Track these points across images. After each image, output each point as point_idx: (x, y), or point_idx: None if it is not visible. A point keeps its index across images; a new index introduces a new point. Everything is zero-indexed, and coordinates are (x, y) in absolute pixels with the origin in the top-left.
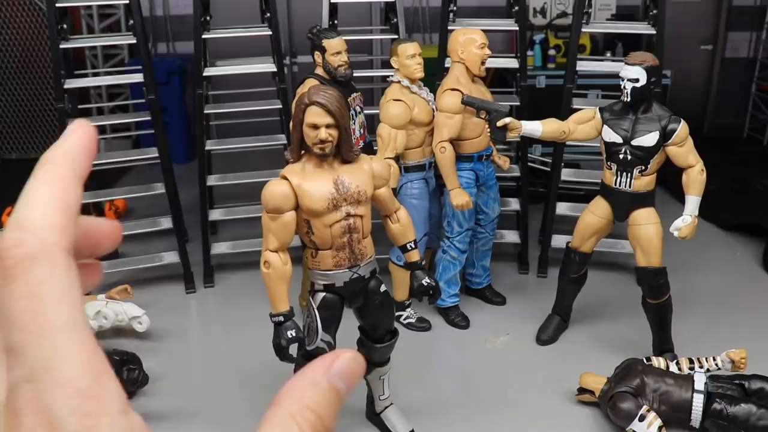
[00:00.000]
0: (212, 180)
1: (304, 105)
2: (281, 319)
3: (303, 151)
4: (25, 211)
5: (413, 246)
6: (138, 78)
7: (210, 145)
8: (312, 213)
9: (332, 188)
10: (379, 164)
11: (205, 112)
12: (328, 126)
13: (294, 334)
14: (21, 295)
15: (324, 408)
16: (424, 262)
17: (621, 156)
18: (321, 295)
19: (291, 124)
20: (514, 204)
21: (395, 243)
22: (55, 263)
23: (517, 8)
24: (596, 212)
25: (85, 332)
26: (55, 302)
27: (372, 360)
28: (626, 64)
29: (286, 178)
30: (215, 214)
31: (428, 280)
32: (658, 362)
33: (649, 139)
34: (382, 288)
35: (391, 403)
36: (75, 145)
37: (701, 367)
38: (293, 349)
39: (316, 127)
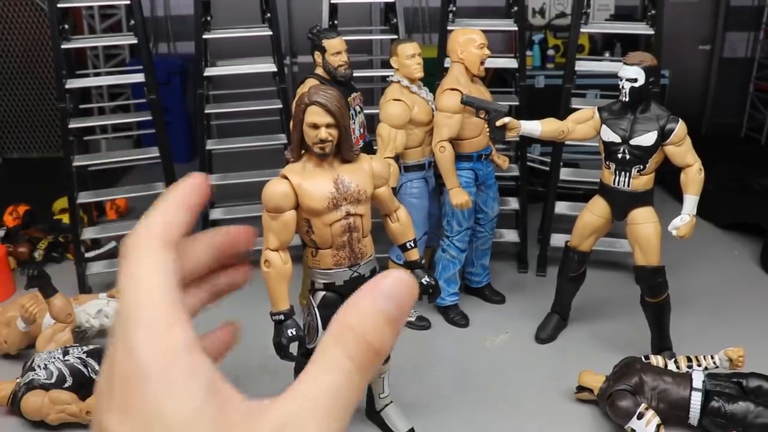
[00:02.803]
0: (213, 179)
1: (304, 105)
2: (281, 317)
3: (303, 151)
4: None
5: (413, 245)
6: (139, 78)
7: (211, 145)
8: (312, 212)
9: (332, 187)
10: (379, 164)
11: (206, 111)
12: (328, 126)
13: (294, 333)
14: (125, 271)
15: (369, 328)
16: (423, 261)
17: (619, 155)
18: (321, 293)
19: (291, 123)
20: (513, 203)
21: (395, 242)
22: (150, 250)
23: (516, 8)
24: (595, 211)
25: (166, 295)
26: (144, 274)
27: None
28: (625, 64)
29: (286, 178)
30: (216, 214)
31: (428, 279)
32: (657, 360)
33: (648, 139)
34: None
35: (391, 401)
36: (188, 182)
37: (699, 365)
38: (294, 348)
39: (316, 126)
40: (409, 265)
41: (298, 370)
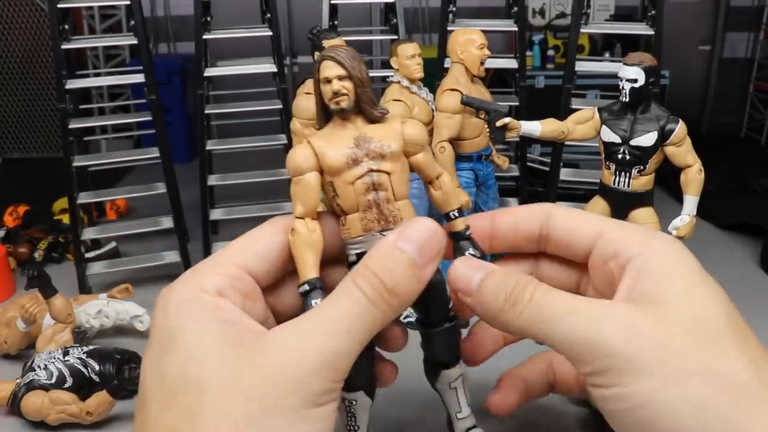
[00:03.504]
0: (213, 180)
1: (318, 63)
2: (306, 287)
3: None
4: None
5: (457, 215)
6: (139, 78)
7: (211, 145)
8: (332, 171)
9: (352, 144)
10: (413, 127)
11: (206, 112)
12: (340, 78)
13: (319, 303)
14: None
15: (385, 270)
16: (470, 232)
17: (619, 156)
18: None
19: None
20: (513, 203)
21: (439, 211)
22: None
23: (516, 9)
24: (595, 212)
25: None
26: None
27: (435, 358)
28: (625, 64)
29: (309, 143)
30: (216, 214)
31: (473, 251)
32: None
33: (648, 139)
34: None
35: (474, 425)
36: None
37: None
38: None
39: (328, 81)
40: (453, 237)
41: None
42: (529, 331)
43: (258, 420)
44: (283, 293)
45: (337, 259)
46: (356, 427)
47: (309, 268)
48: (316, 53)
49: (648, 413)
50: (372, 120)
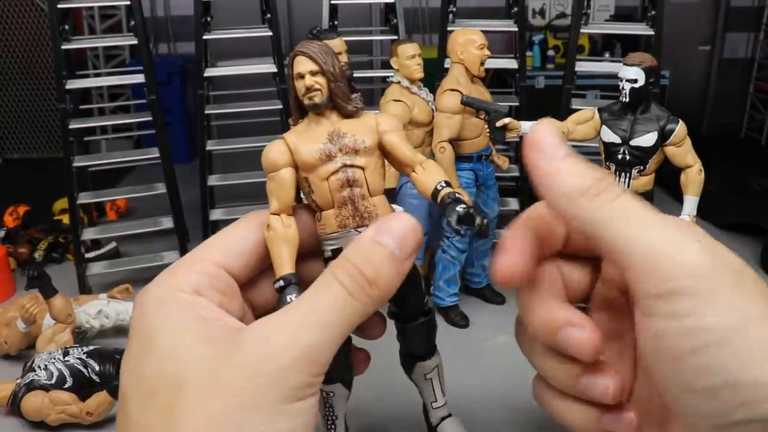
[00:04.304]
0: (213, 180)
1: (290, 59)
2: (282, 283)
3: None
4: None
5: (444, 185)
6: (139, 78)
7: (211, 146)
8: (306, 166)
9: (325, 139)
10: (384, 118)
11: (206, 112)
12: (312, 73)
13: (294, 299)
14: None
15: (365, 262)
16: (459, 195)
17: (619, 156)
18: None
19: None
20: (513, 204)
21: (426, 194)
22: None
23: (516, 9)
24: None
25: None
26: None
27: (411, 351)
28: (625, 64)
29: (284, 138)
30: (216, 214)
31: (464, 207)
32: None
33: (648, 140)
34: None
35: (449, 414)
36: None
37: None
38: None
39: (301, 76)
40: (441, 203)
41: None
42: (598, 228)
43: (236, 416)
44: (261, 288)
45: (314, 253)
46: (334, 417)
47: (284, 264)
48: None
49: (725, 353)
50: (346, 115)
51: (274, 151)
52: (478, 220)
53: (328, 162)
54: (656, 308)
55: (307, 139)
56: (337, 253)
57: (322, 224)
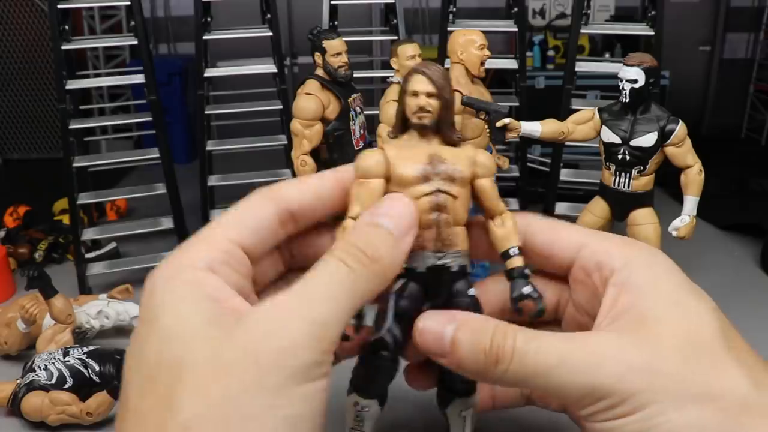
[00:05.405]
0: (213, 180)
1: (408, 75)
2: None
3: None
4: None
5: (517, 252)
6: (139, 79)
7: (211, 146)
8: (401, 181)
9: (425, 160)
10: (484, 155)
11: (206, 112)
12: (429, 95)
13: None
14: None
15: (364, 241)
16: (528, 271)
17: (620, 156)
18: (401, 281)
19: (383, 102)
20: (513, 204)
21: (497, 248)
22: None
23: (516, 9)
24: (595, 212)
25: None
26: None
27: (453, 387)
28: (625, 65)
29: (382, 149)
30: (216, 215)
31: (530, 289)
32: None
33: (648, 140)
34: (471, 291)
35: None
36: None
37: None
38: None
39: (416, 94)
40: (509, 274)
41: (357, 369)
42: (519, 386)
43: (236, 400)
44: (264, 266)
45: (315, 227)
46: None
47: None
48: (316, 54)
49: None
50: (448, 142)
51: (371, 159)
52: (540, 305)
53: (424, 183)
54: (588, 420)
55: (406, 155)
56: (410, 272)
57: None
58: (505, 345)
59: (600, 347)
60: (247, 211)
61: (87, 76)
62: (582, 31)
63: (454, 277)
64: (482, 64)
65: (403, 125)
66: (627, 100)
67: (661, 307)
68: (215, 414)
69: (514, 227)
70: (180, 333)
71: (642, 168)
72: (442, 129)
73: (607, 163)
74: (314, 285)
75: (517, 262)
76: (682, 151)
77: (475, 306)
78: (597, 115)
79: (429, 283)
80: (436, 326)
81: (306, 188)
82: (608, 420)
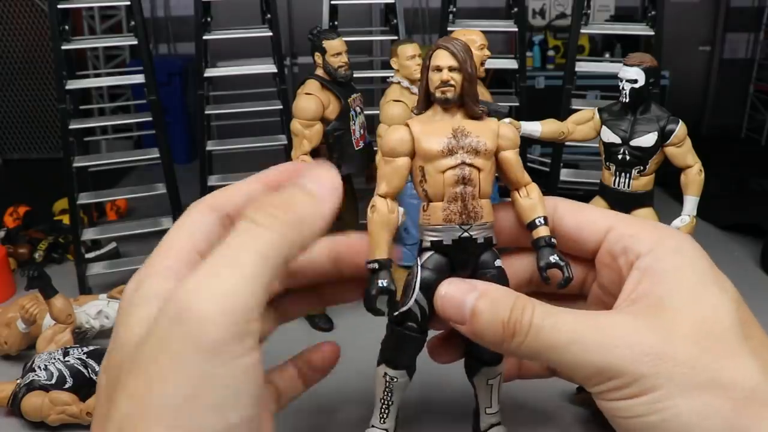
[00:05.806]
0: (213, 180)
1: (431, 51)
2: (375, 266)
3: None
4: None
5: (543, 221)
6: (139, 79)
7: (211, 146)
8: (426, 156)
9: (450, 134)
10: (508, 128)
11: (206, 112)
12: (451, 69)
13: (385, 285)
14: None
15: (279, 199)
16: (554, 240)
17: (620, 156)
18: (428, 253)
19: (420, 73)
20: None
21: (523, 220)
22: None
23: (516, 9)
24: None
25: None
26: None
27: (481, 356)
28: (625, 65)
29: (407, 126)
30: None
31: (557, 257)
32: None
33: (648, 140)
34: (497, 262)
35: (499, 422)
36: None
37: None
38: (382, 303)
39: (439, 69)
40: (536, 243)
41: (385, 341)
42: (534, 359)
43: (154, 391)
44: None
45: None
46: (390, 403)
47: (381, 247)
48: (316, 54)
49: (655, 421)
50: (471, 116)
51: (396, 137)
52: (566, 272)
53: (449, 156)
54: (600, 396)
55: (430, 130)
56: (436, 244)
57: (427, 214)
58: (523, 319)
59: (614, 328)
60: (193, 224)
61: (87, 76)
62: (582, 31)
63: (480, 249)
64: (482, 64)
65: (427, 100)
66: (627, 100)
67: (680, 293)
68: (141, 411)
69: (539, 198)
70: (126, 340)
71: (642, 168)
72: (466, 103)
73: (607, 163)
74: (220, 254)
75: (543, 231)
76: (682, 151)
77: (501, 278)
78: (597, 115)
79: (455, 256)
80: (457, 293)
81: (237, 192)
82: (617, 400)
